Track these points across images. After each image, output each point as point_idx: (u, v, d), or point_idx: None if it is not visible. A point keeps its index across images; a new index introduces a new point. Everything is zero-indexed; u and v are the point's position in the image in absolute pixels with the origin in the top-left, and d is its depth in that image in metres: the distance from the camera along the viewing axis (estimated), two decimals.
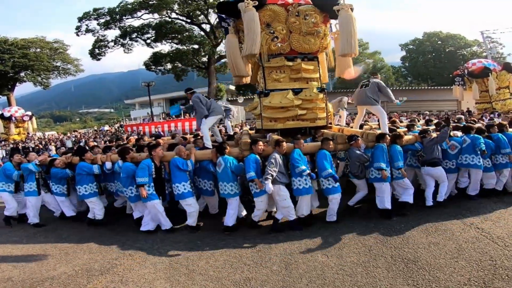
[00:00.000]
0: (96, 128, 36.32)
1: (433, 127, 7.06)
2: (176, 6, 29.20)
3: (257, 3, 5.25)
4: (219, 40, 31.82)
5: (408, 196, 5.10)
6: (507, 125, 6.34)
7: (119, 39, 31.40)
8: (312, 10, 5.80)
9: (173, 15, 30.46)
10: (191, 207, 4.73)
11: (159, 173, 4.82)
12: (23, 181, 5.79)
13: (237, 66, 5.84)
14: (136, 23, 31.34)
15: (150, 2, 28.42)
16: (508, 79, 17.36)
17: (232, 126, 19.32)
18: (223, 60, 34.62)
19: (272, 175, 4.40)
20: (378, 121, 6.51)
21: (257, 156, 4.70)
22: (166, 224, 4.83)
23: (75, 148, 16.12)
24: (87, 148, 6.19)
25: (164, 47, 34.31)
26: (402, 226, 4.52)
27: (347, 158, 5.64)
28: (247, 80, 7.05)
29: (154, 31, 31.27)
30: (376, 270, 3.40)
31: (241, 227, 4.93)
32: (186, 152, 4.81)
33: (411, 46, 42.94)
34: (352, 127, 7.11)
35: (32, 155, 5.95)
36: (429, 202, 5.27)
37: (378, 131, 5.71)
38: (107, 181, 5.80)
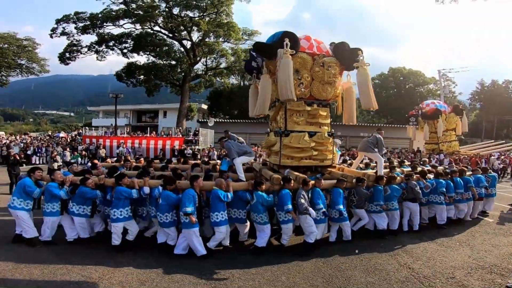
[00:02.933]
0: (50, 133, 34.35)
1: (409, 168, 8.74)
2: (160, 19, 29.43)
3: (294, 52, 6.08)
4: (198, 58, 32.40)
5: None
6: (466, 171, 8.33)
7: (94, 45, 30.68)
8: (334, 62, 6.75)
9: (156, 27, 30.59)
10: (221, 233, 5.29)
11: (199, 201, 5.26)
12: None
13: (264, 105, 6.57)
14: (115, 31, 30.97)
15: (135, 12, 28.41)
16: (456, 121, 19.16)
17: (200, 149, 19.85)
18: (198, 80, 35.11)
19: (308, 206, 5.37)
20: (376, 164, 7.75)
21: (289, 191, 5.55)
22: (202, 250, 5.11)
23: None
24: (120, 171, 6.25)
25: (140, 58, 34.08)
26: (347, 266, 5.03)
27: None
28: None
29: (132, 41, 31.07)
30: None
31: (188, 260, 5.05)
32: (225, 184, 5.42)
33: (377, 81, 46.63)
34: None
35: (58, 174, 5.80)
36: (405, 228, 6.88)
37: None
38: (137, 204, 5.90)
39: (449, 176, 7.74)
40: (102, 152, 19.40)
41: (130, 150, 19.73)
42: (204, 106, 39.85)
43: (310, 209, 5.40)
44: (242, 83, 36.56)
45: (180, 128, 30.05)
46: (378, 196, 6.41)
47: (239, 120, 28.17)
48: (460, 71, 36.76)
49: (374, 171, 7.85)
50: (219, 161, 9.19)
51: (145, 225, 6.15)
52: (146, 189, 5.42)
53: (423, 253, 5.64)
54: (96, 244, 5.60)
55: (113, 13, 28.58)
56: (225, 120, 31.50)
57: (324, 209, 5.64)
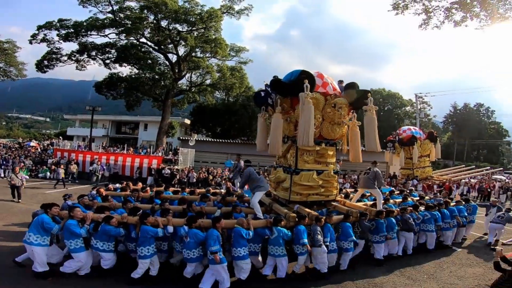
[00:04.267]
0: (20, 141, 33.10)
1: (400, 198, 9.76)
2: (148, 31, 29.41)
3: (314, 95, 6.63)
4: (183, 73, 32.27)
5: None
6: (450, 202, 9.63)
7: (75, 54, 30.12)
8: (345, 104, 7.34)
9: (142, 39, 30.44)
10: (247, 265, 5.79)
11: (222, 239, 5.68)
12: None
13: (277, 146, 7.10)
14: (99, 40, 30.57)
15: (122, 22, 28.25)
16: (430, 148, 20.51)
17: (180, 169, 19.78)
18: (182, 96, 34.84)
19: (322, 241, 6.10)
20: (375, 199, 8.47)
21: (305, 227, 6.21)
22: (227, 283, 5.55)
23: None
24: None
25: (123, 69, 33.53)
26: None
27: None
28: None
29: (116, 52, 30.56)
30: None
31: None
32: (246, 223, 5.87)
33: None
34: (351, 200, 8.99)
35: (78, 211, 5.84)
36: (400, 253, 7.82)
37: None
38: (162, 240, 6.11)
39: (437, 208, 8.85)
40: (74, 167, 18.82)
41: (104, 167, 19.28)
42: (187, 121, 39.60)
43: (322, 243, 6.10)
44: (226, 99, 36.84)
45: (164, 146, 29.74)
46: (382, 227, 7.23)
47: (221, 140, 28.05)
48: (436, 95, 39.36)
49: (372, 202, 8.65)
50: (223, 191, 9.57)
51: (166, 257, 6.39)
52: (170, 229, 5.75)
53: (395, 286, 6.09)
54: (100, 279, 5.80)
55: (99, 22, 28.21)
56: (207, 139, 31.10)
57: (327, 243, 6.32)
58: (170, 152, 27.75)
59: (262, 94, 7.97)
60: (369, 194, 9.78)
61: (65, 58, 30.06)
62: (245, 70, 34.02)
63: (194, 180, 18.05)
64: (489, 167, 28.71)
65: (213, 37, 30.65)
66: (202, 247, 5.70)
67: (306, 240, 6.04)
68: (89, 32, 29.03)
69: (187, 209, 6.77)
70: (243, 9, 30.17)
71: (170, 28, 29.90)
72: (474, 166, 29.48)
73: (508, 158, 56.35)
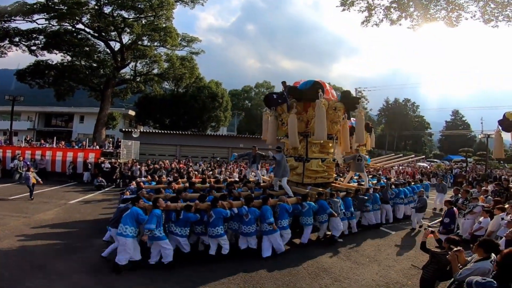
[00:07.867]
0: None
1: (375, 180, 12.95)
2: (87, 17, 28.26)
3: (326, 102, 9.18)
4: (127, 62, 31.68)
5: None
6: (410, 182, 13.03)
7: None
8: (342, 107, 10.07)
9: (79, 25, 29.06)
10: (288, 234, 7.86)
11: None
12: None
13: (296, 140, 9.48)
14: (24, 26, 28.51)
15: (56, 7, 26.88)
16: (366, 138, 25.50)
17: (122, 163, 19.81)
18: (124, 85, 34.09)
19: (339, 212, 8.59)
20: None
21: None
22: (283, 248, 7.58)
23: None
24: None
25: (53, 56, 31.31)
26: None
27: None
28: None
29: (45, 38, 28.79)
30: None
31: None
32: (286, 200, 8.03)
33: None
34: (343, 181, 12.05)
35: (161, 201, 6.75)
36: (383, 221, 10.78)
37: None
38: (227, 221, 7.55)
39: (402, 186, 12.15)
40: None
41: (29, 163, 18.27)
42: (132, 112, 38.76)
43: (340, 213, 8.71)
44: (176, 90, 37.14)
45: (109, 140, 29.04)
46: (368, 200, 10.07)
47: (169, 131, 27.98)
48: (372, 90, 46.28)
49: (357, 183, 11.62)
50: (232, 180, 11.54)
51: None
52: (236, 210, 7.44)
53: (340, 272, 6.81)
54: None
55: (27, 6, 26.37)
56: (154, 131, 31.15)
57: (343, 210, 8.99)
58: (110, 145, 27.07)
59: (275, 96, 10.25)
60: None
61: None
62: (197, 60, 34.74)
63: (138, 173, 17.60)
64: (413, 155, 34.93)
65: (163, 25, 30.50)
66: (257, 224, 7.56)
67: (331, 210, 8.46)
68: (13, 18, 27.12)
69: (228, 194, 8.57)
70: None
71: (114, 14, 29.21)
72: (401, 155, 35.47)
73: (430, 148, 67.74)
